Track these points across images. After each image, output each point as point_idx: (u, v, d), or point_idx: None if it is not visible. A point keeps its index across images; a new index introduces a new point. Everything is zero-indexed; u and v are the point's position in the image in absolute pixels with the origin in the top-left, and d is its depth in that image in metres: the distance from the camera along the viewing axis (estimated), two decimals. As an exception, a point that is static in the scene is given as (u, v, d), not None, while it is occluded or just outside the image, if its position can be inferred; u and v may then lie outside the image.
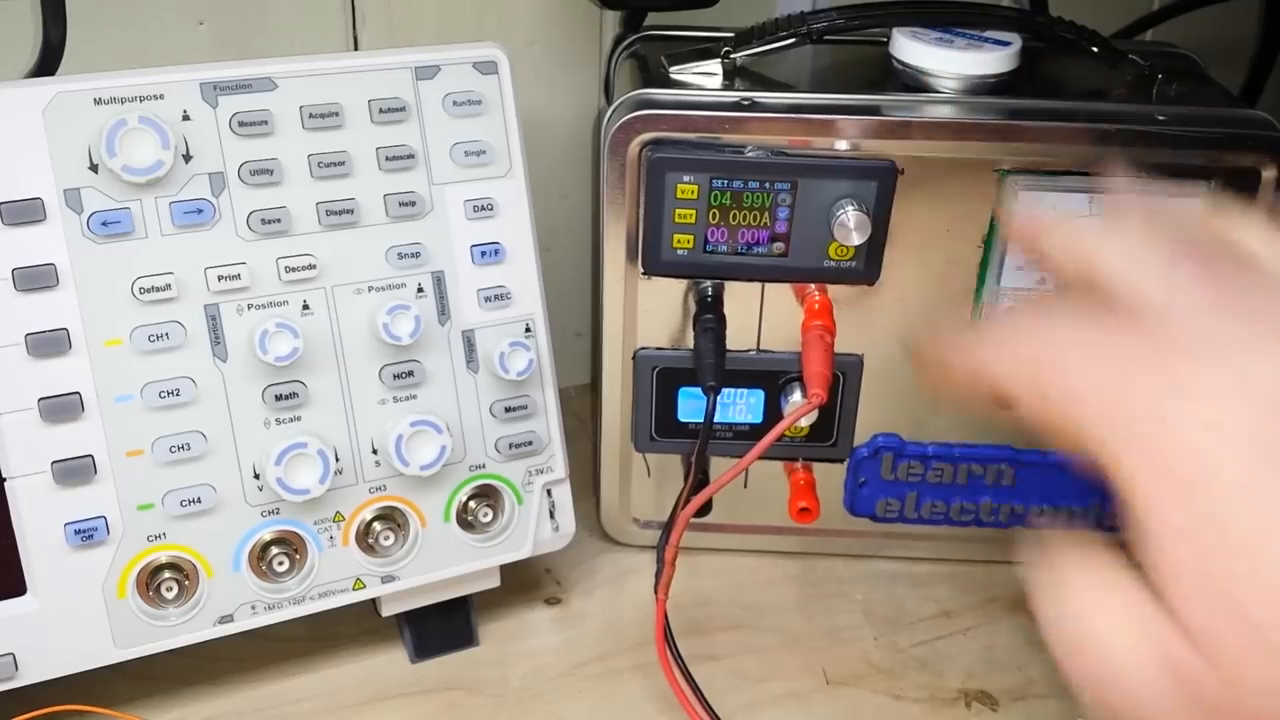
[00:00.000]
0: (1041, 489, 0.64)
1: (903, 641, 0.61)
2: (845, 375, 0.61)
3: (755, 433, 0.61)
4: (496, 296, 0.56)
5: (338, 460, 0.53)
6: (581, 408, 0.75)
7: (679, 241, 0.58)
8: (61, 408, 0.49)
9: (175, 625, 0.52)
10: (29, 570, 0.50)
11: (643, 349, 0.61)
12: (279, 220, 0.51)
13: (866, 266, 0.58)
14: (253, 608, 0.53)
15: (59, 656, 0.51)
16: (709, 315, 0.59)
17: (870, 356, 0.61)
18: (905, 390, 0.62)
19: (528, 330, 0.57)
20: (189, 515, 0.51)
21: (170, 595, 0.51)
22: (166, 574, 0.51)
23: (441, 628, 0.59)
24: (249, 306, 0.51)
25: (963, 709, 0.57)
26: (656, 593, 0.55)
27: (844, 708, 0.57)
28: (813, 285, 0.59)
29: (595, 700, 0.57)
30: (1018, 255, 0.58)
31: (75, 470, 0.49)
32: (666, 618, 0.55)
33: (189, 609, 0.52)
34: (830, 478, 0.64)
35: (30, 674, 0.50)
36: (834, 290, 0.59)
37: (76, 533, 0.50)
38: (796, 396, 0.60)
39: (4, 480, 0.49)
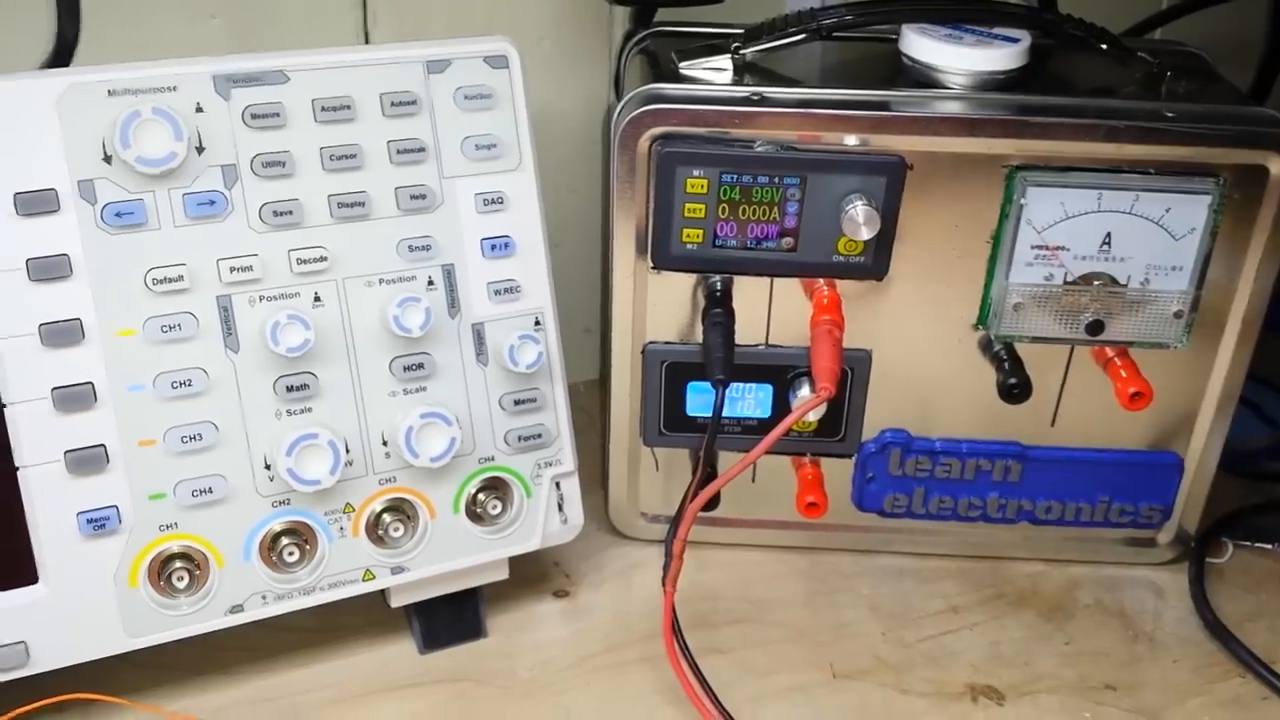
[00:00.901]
0: (1049, 485, 0.64)
1: (909, 636, 0.61)
2: (854, 370, 0.61)
3: (763, 428, 0.61)
4: (506, 290, 0.56)
5: (348, 452, 0.53)
6: (590, 403, 0.75)
7: (688, 236, 0.58)
8: (74, 397, 0.49)
9: (186, 615, 0.52)
10: (41, 559, 0.50)
11: (652, 344, 0.61)
12: (291, 212, 0.52)
13: (875, 261, 0.58)
14: (263, 598, 0.54)
15: (70, 645, 0.51)
16: (718, 309, 0.59)
17: (879, 352, 0.61)
18: (914, 386, 0.62)
19: (537, 323, 0.57)
20: (200, 505, 0.52)
21: (181, 585, 0.52)
22: (178, 563, 0.51)
23: (450, 619, 0.59)
24: (260, 298, 0.52)
25: (969, 704, 0.57)
26: (664, 586, 0.55)
27: (850, 701, 0.57)
28: (821, 280, 0.59)
29: (603, 692, 0.57)
30: (1027, 251, 0.58)
31: (87, 460, 0.50)
32: (674, 611, 0.55)
33: (200, 598, 0.52)
34: (838, 473, 0.64)
35: (41, 662, 0.51)
36: (843, 285, 0.59)
37: (89, 522, 0.50)
38: (805, 391, 0.60)
39: (16, 469, 0.49)
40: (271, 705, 0.56)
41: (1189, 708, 0.57)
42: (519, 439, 0.57)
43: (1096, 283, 0.58)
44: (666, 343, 0.61)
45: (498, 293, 0.56)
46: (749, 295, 0.60)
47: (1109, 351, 0.60)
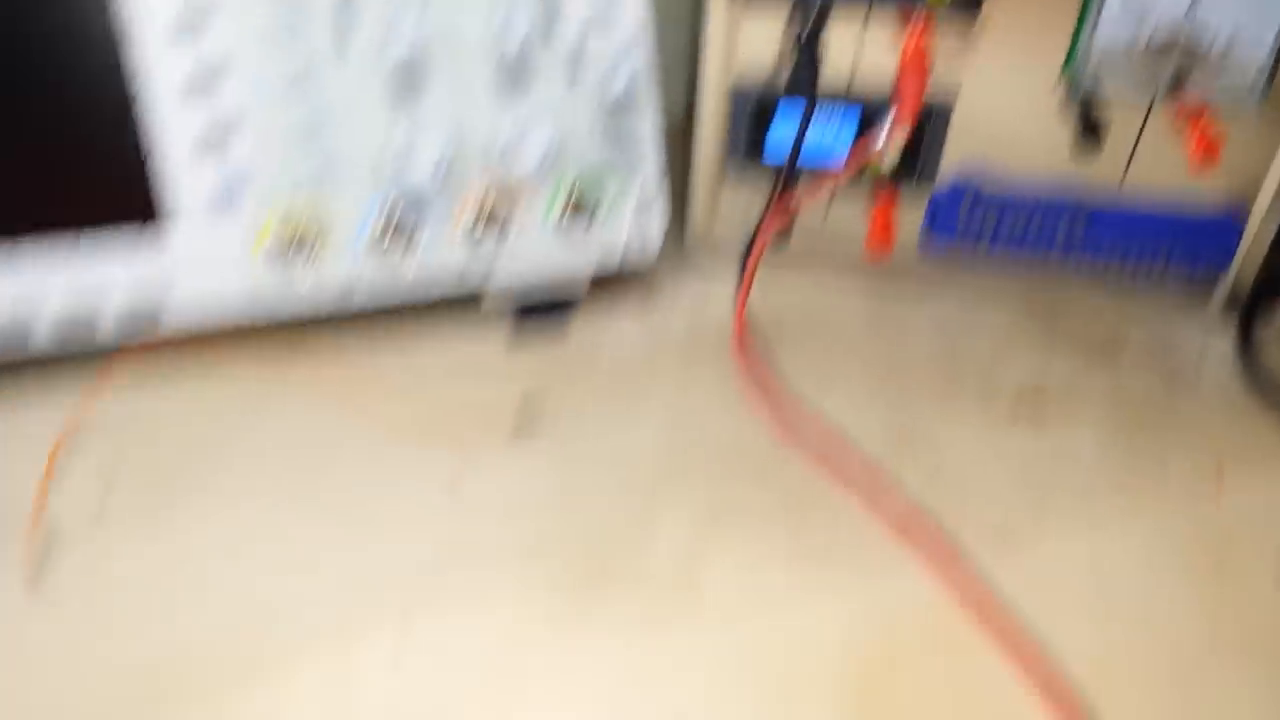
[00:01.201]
0: (1111, 239, 0.66)
1: (960, 362, 0.64)
2: (934, 113, 0.63)
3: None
4: (604, 11, 0.58)
5: (450, 155, 0.57)
6: (677, 136, 0.77)
7: (783, -25, 0.60)
8: (201, 83, 0.53)
9: (302, 292, 0.57)
10: (173, 229, 0.55)
11: (740, 79, 0.64)
12: (407, -83, 0.54)
13: (967, 6, 0.60)
14: (369, 286, 0.58)
15: (197, 309, 0.56)
16: (808, 44, 0.60)
17: (961, 99, 0.63)
18: (991, 136, 0.64)
19: (632, 45, 0.59)
20: (315, 193, 0.56)
21: (298, 263, 0.56)
22: (295, 243, 0.56)
23: (538, 320, 0.64)
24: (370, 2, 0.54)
25: (1009, 424, 0.60)
26: (735, 304, 0.59)
27: (894, 405, 0.61)
28: (913, 22, 0.60)
29: (675, 391, 0.61)
30: (1116, 7, 0.59)
31: (215, 141, 0.54)
32: (744, 326, 0.59)
33: (314, 278, 0.57)
34: (908, 219, 0.67)
35: (168, 323, 0.56)
36: (932, 33, 0.61)
37: (216, 199, 0.54)
38: (885, 126, 0.62)
39: (152, 147, 0.53)
40: (361, 376, 0.60)
41: (1222, 448, 0.60)
42: (609, 158, 0.60)
43: (1181, 42, 0.60)
44: (755, 79, 0.64)
45: (596, 13, 0.58)
46: (838, 44, 0.62)
47: (1185, 110, 0.61)
